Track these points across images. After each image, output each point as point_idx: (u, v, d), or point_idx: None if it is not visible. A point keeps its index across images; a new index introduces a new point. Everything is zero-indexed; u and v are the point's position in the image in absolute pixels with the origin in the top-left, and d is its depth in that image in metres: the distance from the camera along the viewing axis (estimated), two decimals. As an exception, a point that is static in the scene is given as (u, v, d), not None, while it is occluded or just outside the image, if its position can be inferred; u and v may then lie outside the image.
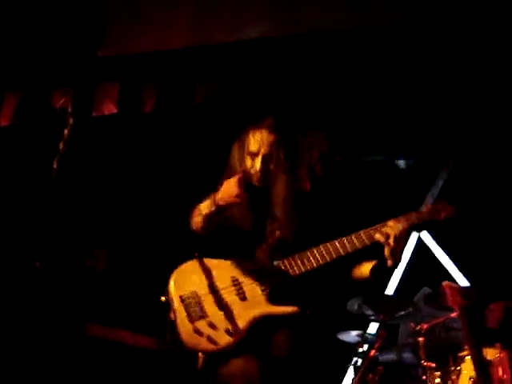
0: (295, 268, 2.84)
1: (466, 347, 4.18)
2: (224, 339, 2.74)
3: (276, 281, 2.84)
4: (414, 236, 6.50)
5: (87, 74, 4.70)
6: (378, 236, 2.77)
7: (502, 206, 5.99)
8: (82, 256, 5.03)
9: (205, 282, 2.84)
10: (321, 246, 2.82)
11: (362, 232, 2.82)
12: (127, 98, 4.76)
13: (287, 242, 2.93)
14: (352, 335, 4.98)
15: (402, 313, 4.78)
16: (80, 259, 5.01)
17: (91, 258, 5.04)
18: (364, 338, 4.94)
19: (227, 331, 2.75)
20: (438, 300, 4.45)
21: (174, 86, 4.66)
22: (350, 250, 2.80)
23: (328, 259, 2.81)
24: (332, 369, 5.53)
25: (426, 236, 6.53)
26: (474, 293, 4.20)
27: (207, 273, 2.84)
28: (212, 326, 2.76)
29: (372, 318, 4.97)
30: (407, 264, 6.32)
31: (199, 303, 2.82)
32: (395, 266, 2.80)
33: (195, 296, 2.83)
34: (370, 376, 4.56)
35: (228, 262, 2.91)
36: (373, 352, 4.59)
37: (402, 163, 6.53)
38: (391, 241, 2.73)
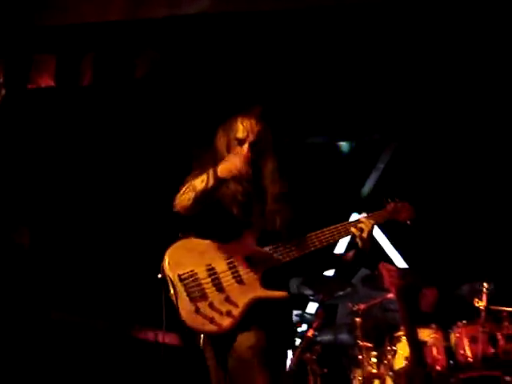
0: (285, 255, 3.02)
1: (402, 328, 4.24)
2: (226, 321, 2.85)
3: (269, 266, 2.98)
4: (353, 217, 6.53)
5: (22, 44, 4.53)
6: (353, 230, 3.15)
7: (441, 190, 6.08)
8: (9, 232, 4.90)
9: (201, 263, 2.93)
10: (307, 236, 3.08)
11: (339, 226, 3.15)
12: (65, 70, 4.60)
13: (274, 228, 3.07)
14: (291, 315, 4.98)
15: (341, 293, 4.80)
16: (8, 235, 4.88)
17: (18, 233, 4.92)
18: (302, 318, 4.95)
19: (228, 313, 2.85)
20: (375, 281, 4.50)
21: (113, 59, 4.54)
22: (331, 240, 3.13)
23: (312, 248, 3.08)
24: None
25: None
26: (410, 275, 4.26)
27: (202, 254, 2.95)
28: (213, 307, 2.86)
29: (311, 298, 4.98)
30: (346, 246, 6.37)
31: (198, 284, 2.89)
32: (366, 254, 3.19)
33: (194, 275, 2.91)
34: (308, 355, 4.58)
35: (216, 244, 3.00)
36: (311, 332, 4.61)
37: (343, 146, 6.55)
38: (364, 234, 3.14)
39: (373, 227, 3.21)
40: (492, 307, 4.42)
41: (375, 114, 5.84)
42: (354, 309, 4.56)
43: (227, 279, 2.92)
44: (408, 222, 3.36)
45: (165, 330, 2.96)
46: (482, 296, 4.44)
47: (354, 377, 4.49)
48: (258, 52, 4.69)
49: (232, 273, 2.94)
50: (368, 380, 4.39)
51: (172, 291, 2.86)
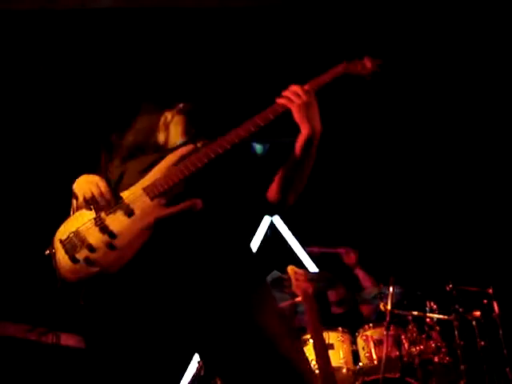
0: (190, 167, 2.54)
1: (309, 331, 4.27)
2: (106, 257, 2.47)
3: (169, 184, 2.54)
4: (266, 220, 6.56)
5: None
6: (281, 101, 2.54)
7: (351, 194, 6.19)
8: None
9: (88, 216, 2.57)
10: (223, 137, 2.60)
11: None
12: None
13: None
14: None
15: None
16: None
17: None
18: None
19: (109, 246, 2.46)
20: (284, 284, 4.51)
21: (17, 48, 4.39)
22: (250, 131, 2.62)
23: (221, 151, 2.58)
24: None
25: (277, 220, 6.62)
26: (318, 278, 4.29)
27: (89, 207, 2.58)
28: (92, 249, 2.48)
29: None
30: (258, 247, 6.38)
31: (81, 238, 2.53)
32: (315, 136, 2.53)
33: (76, 234, 2.54)
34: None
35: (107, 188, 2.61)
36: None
37: (257, 147, 6.53)
38: (300, 98, 2.49)
39: (313, 89, 2.52)
40: (397, 311, 4.52)
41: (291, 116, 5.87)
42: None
43: (114, 217, 2.53)
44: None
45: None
46: (387, 300, 4.54)
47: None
48: (165, 47, 4.64)
49: (123, 208, 2.53)
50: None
51: (53, 261, 2.54)
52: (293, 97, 2.51)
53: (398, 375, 4.17)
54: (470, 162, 5.92)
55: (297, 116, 2.53)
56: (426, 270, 5.27)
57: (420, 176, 6.06)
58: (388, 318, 4.45)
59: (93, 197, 2.59)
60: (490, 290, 4.84)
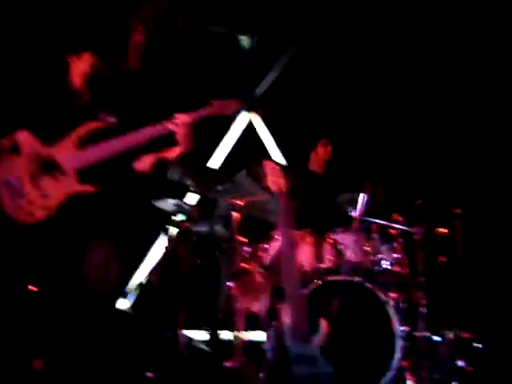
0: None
1: (278, 227, 4.29)
2: (39, 213, 3.16)
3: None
4: (244, 116, 6.50)
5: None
6: (170, 126, 3.27)
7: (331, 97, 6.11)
8: None
9: (24, 168, 3.18)
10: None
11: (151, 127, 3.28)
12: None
13: None
14: (169, 203, 4.91)
15: (222, 187, 4.77)
16: None
17: None
18: (180, 208, 4.90)
19: (42, 207, 3.15)
20: (258, 178, 4.48)
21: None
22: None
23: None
24: (144, 235, 5.50)
25: (255, 118, 6.56)
26: (293, 177, 4.26)
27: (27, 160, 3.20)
28: (30, 202, 3.15)
29: (191, 188, 4.91)
30: (235, 142, 6.35)
31: (20, 186, 3.17)
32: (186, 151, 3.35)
33: (18, 180, 3.17)
34: (182, 246, 4.56)
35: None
36: (187, 222, 4.58)
37: (245, 40, 6.38)
38: (181, 129, 3.27)
39: (191, 122, 3.29)
40: (364, 218, 4.57)
41: (281, 13, 5.71)
42: (234, 203, 4.55)
43: (45, 178, 3.18)
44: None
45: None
46: (357, 207, 4.58)
47: (226, 269, 4.54)
48: None
49: (49, 172, 3.19)
50: (238, 274, 4.45)
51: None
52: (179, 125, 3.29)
53: (358, 279, 4.26)
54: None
55: (180, 138, 3.32)
56: (398, 182, 5.29)
57: (395, 86, 5.98)
58: (355, 224, 4.51)
59: None
60: (458, 211, 4.90)
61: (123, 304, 5.53)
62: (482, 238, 5.47)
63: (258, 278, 4.37)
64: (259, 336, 4.22)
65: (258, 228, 4.55)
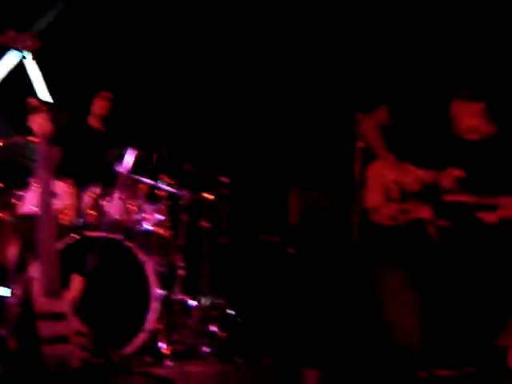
0: None
1: (37, 175, 3.96)
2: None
3: None
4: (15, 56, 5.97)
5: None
6: None
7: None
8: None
9: None
10: None
11: None
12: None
13: None
14: None
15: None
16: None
17: None
18: None
19: None
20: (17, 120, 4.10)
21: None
22: None
23: None
24: None
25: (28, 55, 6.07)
26: (57, 112, 3.92)
27: None
28: None
29: None
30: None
31: None
32: None
33: None
34: None
35: None
36: None
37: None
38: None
39: None
40: (131, 176, 4.40)
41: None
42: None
43: None
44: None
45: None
46: (124, 163, 4.39)
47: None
48: None
49: None
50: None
51: None
52: None
53: (117, 237, 4.09)
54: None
55: None
56: (170, 144, 5.19)
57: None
58: (120, 180, 4.32)
59: None
60: (226, 179, 4.96)
61: None
62: (245, 208, 5.60)
63: (9, 228, 4.01)
64: (4, 290, 3.88)
65: (15, 173, 4.16)
